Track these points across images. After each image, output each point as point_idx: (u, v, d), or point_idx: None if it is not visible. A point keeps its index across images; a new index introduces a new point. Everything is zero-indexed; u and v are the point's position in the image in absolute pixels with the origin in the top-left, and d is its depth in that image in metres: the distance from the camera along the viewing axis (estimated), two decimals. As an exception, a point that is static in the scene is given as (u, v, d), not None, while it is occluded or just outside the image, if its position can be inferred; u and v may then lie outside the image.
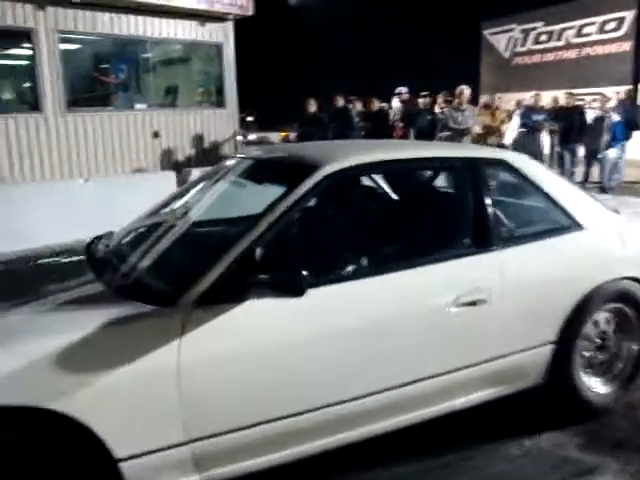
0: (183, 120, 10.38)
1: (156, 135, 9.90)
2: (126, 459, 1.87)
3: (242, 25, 10.67)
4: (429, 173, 2.80)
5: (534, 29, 20.70)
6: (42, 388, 1.76)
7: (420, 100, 10.08)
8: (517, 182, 2.76)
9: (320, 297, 2.05)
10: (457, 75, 17.42)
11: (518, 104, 10.58)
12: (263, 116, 23.83)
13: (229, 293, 1.99)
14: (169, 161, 10.15)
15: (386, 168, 2.54)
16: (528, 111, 9.53)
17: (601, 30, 18.86)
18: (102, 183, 6.88)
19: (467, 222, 2.53)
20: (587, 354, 2.88)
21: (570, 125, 9.72)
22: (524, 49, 21.31)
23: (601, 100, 10.06)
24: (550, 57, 20.17)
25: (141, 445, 1.90)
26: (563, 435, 2.76)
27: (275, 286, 1.93)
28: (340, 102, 10.22)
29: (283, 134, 27.05)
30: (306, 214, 2.18)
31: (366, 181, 2.75)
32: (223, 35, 10.23)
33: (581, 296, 2.71)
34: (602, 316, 2.90)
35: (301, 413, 2.11)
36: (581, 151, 10.03)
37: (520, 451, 2.65)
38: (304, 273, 1.88)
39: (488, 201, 2.58)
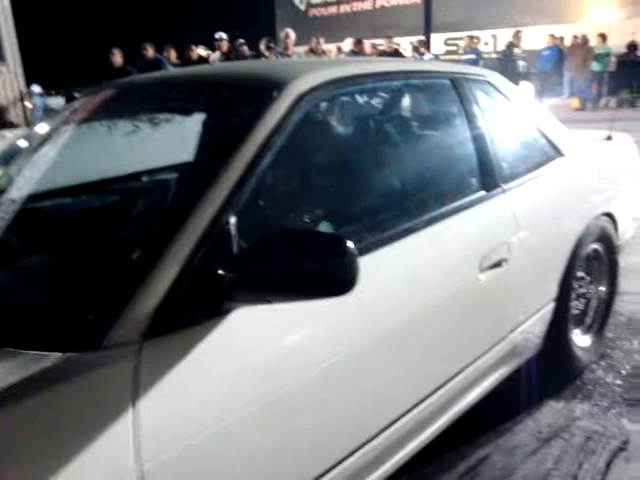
0: (-52, 78, 8.42)
1: None
2: None
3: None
4: (413, 93, 2.06)
5: (328, -20, 20.63)
6: None
7: (242, 48, 9.19)
8: (500, 105, 2.14)
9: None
10: (252, 26, 16.70)
11: (339, 50, 10.35)
12: (57, 75, 20.64)
13: (198, 306, 1.09)
14: None
15: (366, 84, 1.68)
16: (354, 56, 9.22)
17: (391, -18, 19.39)
18: None
19: (472, 157, 1.85)
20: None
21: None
22: (320, 1, 21.17)
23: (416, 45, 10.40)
24: (347, 8, 20.29)
25: None
26: (564, 403, 2.32)
27: (299, 281, 1.06)
28: (150, 52, 8.92)
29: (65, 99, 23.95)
30: (280, 157, 1.31)
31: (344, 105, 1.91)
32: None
33: (577, 238, 2.23)
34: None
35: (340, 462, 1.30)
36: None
37: (533, 436, 2.14)
38: (352, 250, 1.04)
39: (486, 130, 1.92)
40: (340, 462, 1.33)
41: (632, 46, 14.09)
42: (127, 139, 1.94)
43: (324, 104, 1.59)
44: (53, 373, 0.94)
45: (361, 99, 1.80)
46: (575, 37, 14.90)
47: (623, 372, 2.55)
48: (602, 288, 2.65)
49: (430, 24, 19.20)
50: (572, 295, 2.30)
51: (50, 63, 20.62)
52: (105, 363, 0.98)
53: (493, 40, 18.18)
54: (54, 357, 0.97)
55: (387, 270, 1.42)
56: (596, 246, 2.50)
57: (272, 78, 1.47)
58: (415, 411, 1.55)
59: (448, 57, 17.66)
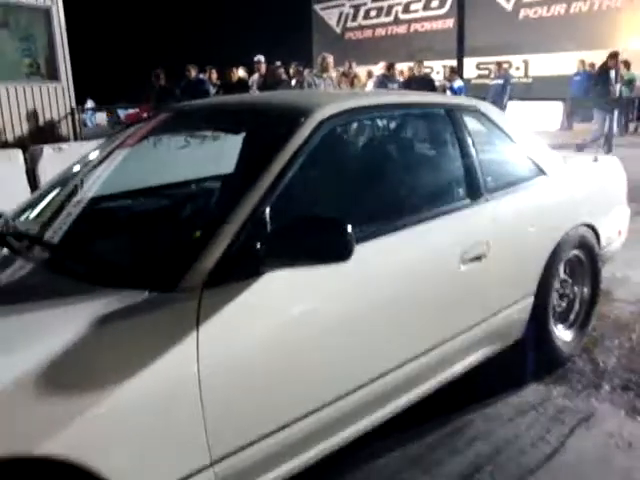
0: (10, 94, 9.14)
1: (-20, 112, 8.62)
2: (140, 501, 1.39)
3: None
4: (415, 120, 2.53)
5: (364, 4, 21.26)
6: (25, 427, 1.21)
7: (276, 70, 9.80)
8: (488, 130, 2.59)
9: (352, 263, 1.65)
10: (290, 49, 17.39)
11: (370, 75, 10.83)
12: (105, 92, 21.74)
13: (243, 267, 1.56)
14: (-3, 141, 8.92)
15: (375, 113, 2.19)
16: (384, 79, 9.70)
17: (425, 7, 19.92)
18: None
19: (461, 172, 2.30)
20: (554, 303, 2.83)
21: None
22: (355, 24, 21.85)
23: (449, 71, 10.85)
24: (382, 32, 20.90)
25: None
26: (544, 386, 2.70)
27: (311, 253, 1.53)
28: (193, 73, 9.57)
29: (109, 114, 24.93)
30: (303, 167, 1.79)
31: (356, 130, 2.40)
32: (50, -2, 9.11)
33: (555, 243, 2.64)
34: (564, 266, 2.86)
35: (333, 401, 1.75)
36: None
37: (513, 409, 2.53)
38: (349, 230, 1.50)
39: (473, 149, 2.37)
40: (342, 397, 1.78)
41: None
42: (183, 153, 2.47)
43: (339, 128, 2.07)
44: (145, 303, 1.42)
45: (369, 124, 2.27)
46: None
47: (601, 364, 2.93)
48: (585, 290, 3.03)
49: (463, 48, 19.71)
50: (552, 293, 2.70)
51: (98, 81, 21.75)
52: (178, 299, 1.45)
53: (524, 65, 18.52)
54: (146, 294, 1.45)
55: (384, 252, 1.88)
56: (577, 252, 2.89)
57: (300, 107, 1.96)
58: (406, 368, 1.99)
59: (479, 81, 18.08)
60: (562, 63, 16.79)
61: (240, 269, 1.56)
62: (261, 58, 9.54)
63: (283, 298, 1.62)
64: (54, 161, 5.99)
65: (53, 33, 9.57)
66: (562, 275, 2.88)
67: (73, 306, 1.39)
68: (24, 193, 5.42)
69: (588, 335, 3.16)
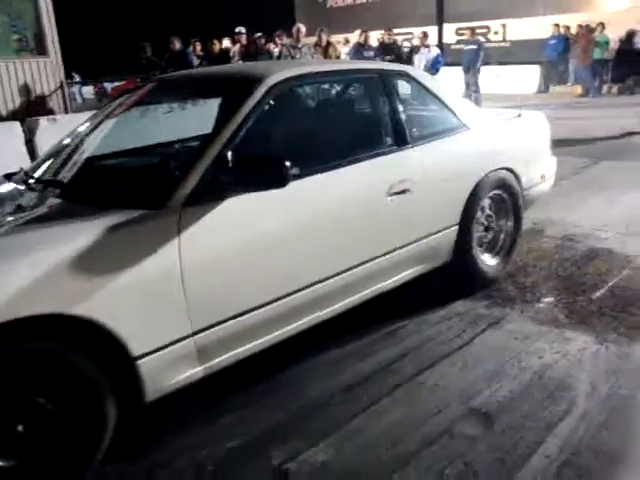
0: (1, 70, 9.51)
1: (-29, 88, 9.01)
2: (142, 356, 1.98)
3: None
4: (351, 82, 3.09)
5: (345, -28, 21.45)
6: (60, 295, 1.80)
7: (256, 41, 10.21)
8: (417, 90, 3.15)
9: (288, 191, 2.23)
10: (273, 17, 17.67)
11: (347, 42, 11.24)
12: (91, 66, 22.05)
13: (211, 193, 2.14)
14: (-10, 115, 9.31)
15: (317, 79, 2.80)
16: (360, 48, 10.15)
17: (405, -26, 20.17)
18: None
19: (389, 124, 2.87)
20: (478, 234, 3.43)
21: (399, 59, 10.60)
22: (337, -8, 22.06)
23: (421, 37, 11.23)
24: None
25: (154, 342, 2.01)
26: (471, 301, 3.32)
27: (257, 180, 2.12)
28: (177, 45, 9.99)
29: (96, 88, 25.20)
30: (258, 121, 2.36)
31: (302, 92, 2.98)
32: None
33: (474, 184, 3.22)
34: (486, 202, 3.45)
35: (285, 296, 2.35)
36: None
37: (441, 317, 3.15)
38: (286, 165, 2.08)
39: (401, 106, 2.94)
40: (290, 294, 2.38)
41: (630, 35, 14.66)
42: (165, 117, 3.03)
43: (286, 90, 2.62)
44: (140, 217, 2.00)
45: (315, 88, 2.84)
46: (580, 26, 15.53)
47: (521, 284, 3.55)
48: (509, 224, 3.63)
49: (442, 14, 20.07)
50: (474, 224, 3.29)
51: (84, 54, 21.98)
52: (164, 215, 2.04)
53: (502, 29, 18.91)
54: (139, 212, 2.03)
55: (322, 184, 2.47)
56: (499, 192, 3.48)
57: (254, 75, 2.52)
58: (344, 276, 2.58)
59: (459, 46, 18.45)
60: (538, 27, 17.18)
61: (209, 194, 2.13)
62: (242, 29, 9.97)
63: (240, 214, 2.21)
64: (49, 131, 6.51)
65: (40, 8, 9.89)
66: (487, 211, 3.47)
67: (88, 219, 1.97)
68: (24, 160, 5.96)
69: (515, 263, 3.78)
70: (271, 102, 2.46)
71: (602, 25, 14.71)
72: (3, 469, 1.77)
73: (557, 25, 16.24)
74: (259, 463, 2.10)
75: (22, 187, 2.51)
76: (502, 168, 3.43)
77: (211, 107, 2.63)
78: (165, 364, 2.07)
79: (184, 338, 2.09)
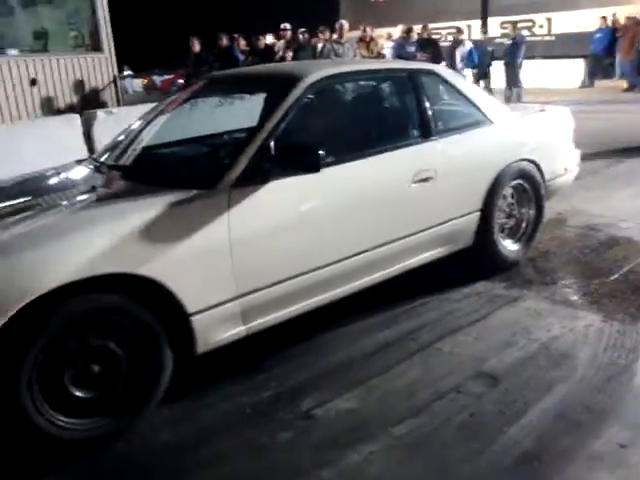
0: (60, 66, 10.09)
1: (34, 82, 9.61)
2: (195, 313, 2.35)
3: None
4: (382, 80, 3.42)
5: (389, -33, 21.57)
6: (130, 258, 2.18)
7: (300, 36, 10.55)
8: (443, 87, 3.45)
9: (323, 176, 2.57)
10: (317, 13, 17.98)
11: (389, 37, 11.49)
12: (140, 59, 22.94)
13: (255, 177, 2.50)
14: (50, 108, 9.91)
15: (351, 77, 3.16)
16: (403, 42, 10.40)
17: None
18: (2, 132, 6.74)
19: (416, 118, 3.18)
20: (501, 221, 3.70)
21: (436, 54, 10.82)
22: (381, -15, 22.19)
23: (455, 32, 11.51)
24: (407, -7, 21.24)
25: (205, 301, 2.38)
26: (491, 282, 3.59)
27: (295, 166, 2.46)
28: (224, 41, 10.41)
29: (145, 81, 26.10)
30: (298, 114, 2.71)
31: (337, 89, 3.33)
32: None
33: (496, 174, 3.49)
34: (509, 191, 3.71)
35: (317, 268, 2.69)
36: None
37: (462, 295, 3.44)
38: (320, 152, 2.42)
39: (427, 102, 3.24)
40: (327, 265, 2.72)
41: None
42: (215, 111, 3.41)
43: (324, 88, 2.96)
44: (195, 196, 2.37)
45: (349, 85, 3.17)
46: (628, 18, 15.30)
47: (540, 269, 3.80)
48: (531, 212, 3.88)
49: (487, 8, 19.99)
50: (495, 211, 3.55)
51: (133, 48, 22.81)
52: (216, 195, 2.40)
53: (547, 23, 18.76)
54: (194, 192, 2.40)
55: (353, 170, 2.81)
56: (521, 181, 3.73)
57: (295, 74, 2.87)
58: (374, 252, 2.91)
59: (502, 39, 18.40)
60: (584, 20, 17.00)
61: (254, 178, 2.49)
62: (287, 25, 10.33)
63: (281, 196, 2.56)
64: (106, 123, 6.99)
65: (96, 6, 10.43)
66: (509, 199, 3.74)
67: (152, 197, 2.35)
68: (83, 150, 6.46)
69: (536, 249, 4.04)
70: (309, 98, 2.81)
71: None
72: (84, 399, 2.17)
73: (604, 18, 16.05)
74: (290, 409, 2.45)
75: (92, 170, 2.92)
76: (524, 159, 3.68)
77: (257, 102, 2.98)
78: (214, 322, 2.43)
79: (230, 300, 2.46)
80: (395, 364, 2.74)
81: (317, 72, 2.88)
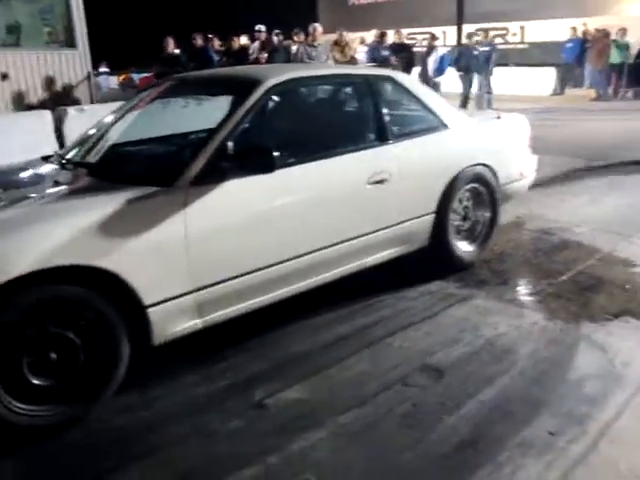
0: (32, 61, 10.05)
1: (4, 77, 9.58)
2: (151, 305, 2.44)
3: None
4: (340, 85, 3.54)
5: (367, -29, 21.81)
6: (89, 251, 2.26)
7: (274, 38, 10.65)
8: (400, 93, 3.58)
9: (279, 176, 2.69)
10: (295, 14, 18.12)
11: (362, 41, 11.66)
12: (118, 56, 22.85)
13: (213, 176, 2.60)
14: (21, 104, 9.86)
15: (311, 82, 3.28)
16: (377, 46, 10.56)
17: (426, -27, 20.46)
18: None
19: (372, 123, 3.31)
20: (456, 223, 3.84)
21: (409, 59, 11.02)
22: (360, -10, 22.44)
23: (430, 38, 11.70)
24: (384, -2, 21.51)
25: (161, 294, 2.47)
26: (446, 282, 3.73)
27: (250, 166, 2.57)
28: (199, 41, 10.47)
29: (122, 77, 26.05)
30: (257, 116, 2.82)
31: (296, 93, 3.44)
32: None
33: (451, 177, 3.64)
34: (464, 195, 3.86)
35: (273, 265, 2.80)
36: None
37: (417, 293, 3.58)
38: (274, 153, 2.53)
39: (384, 107, 3.37)
40: (281, 262, 2.83)
41: (649, 40, 14.78)
42: (180, 111, 3.50)
43: (284, 92, 3.08)
44: (154, 193, 2.46)
45: (308, 89, 3.29)
46: (597, 30, 15.72)
47: (494, 269, 3.96)
48: (486, 215, 4.03)
49: (462, 15, 20.27)
50: (449, 213, 3.70)
51: (111, 45, 22.74)
52: (174, 192, 2.49)
53: (521, 31, 19.13)
54: (153, 188, 2.49)
55: (310, 171, 2.92)
56: (476, 185, 3.89)
57: (255, 78, 2.98)
58: (329, 251, 3.02)
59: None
60: (557, 30, 17.38)
61: (211, 177, 2.59)
62: (262, 27, 10.43)
63: (236, 195, 2.66)
64: (77, 120, 7.02)
65: (70, 2, 10.39)
66: (465, 202, 3.89)
67: (112, 193, 2.44)
68: (53, 145, 6.48)
69: (492, 251, 4.20)
70: (269, 101, 2.92)
71: (623, 30, 14.84)
72: (43, 387, 2.25)
73: (574, 28, 16.45)
74: (243, 398, 2.55)
75: (57, 167, 2.99)
76: (479, 164, 3.83)
77: (223, 104, 3.08)
78: (170, 314, 2.53)
79: (186, 294, 2.55)
80: (347, 357, 2.86)
81: (277, 76, 3.00)
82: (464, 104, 11.60)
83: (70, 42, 10.56)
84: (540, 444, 2.23)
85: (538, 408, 2.44)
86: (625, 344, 2.93)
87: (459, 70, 12.07)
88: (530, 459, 2.16)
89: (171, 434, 2.33)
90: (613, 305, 3.36)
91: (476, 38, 12.27)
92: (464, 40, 12.06)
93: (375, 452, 2.23)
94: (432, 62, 11.39)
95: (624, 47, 14.92)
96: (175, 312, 2.54)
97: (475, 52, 11.93)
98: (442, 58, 11.58)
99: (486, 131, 4.06)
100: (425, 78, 11.60)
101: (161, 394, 2.60)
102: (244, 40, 11.18)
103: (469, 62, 11.90)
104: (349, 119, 3.45)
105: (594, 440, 2.25)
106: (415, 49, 12.55)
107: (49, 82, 10.38)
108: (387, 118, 3.35)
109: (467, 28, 19.91)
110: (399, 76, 3.59)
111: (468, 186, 3.84)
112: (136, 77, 21.61)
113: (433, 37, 11.60)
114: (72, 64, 10.72)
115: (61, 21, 10.52)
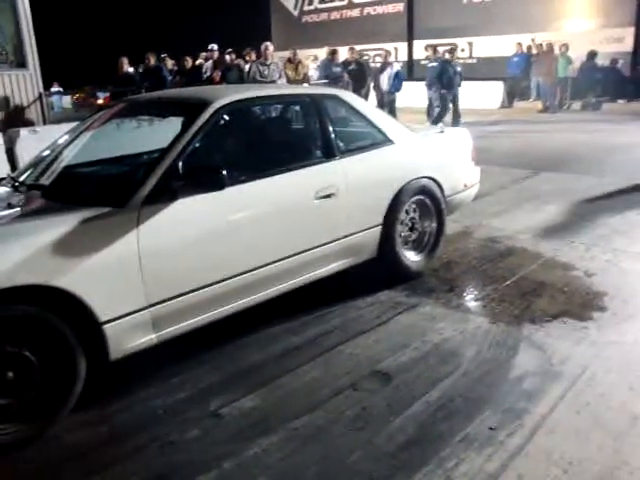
0: (-20, 82, 9.93)
1: (-47, 99, 9.45)
2: (106, 322, 2.51)
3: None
4: (288, 105, 3.68)
5: (320, -11, 22.24)
6: (43, 271, 2.33)
7: (227, 57, 10.80)
8: (346, 111, 3.75)
9: (229, 194, 2.81)
10: (249, 33, 18.31)
11: (315, 58, 11.88)
12: (70, 76, 22.61)
13: (164, 195, 2.69)
14: (-32, 126, 9.71)
15: (259, 102, 3.40)
16: (329, 63, 10.79)
17: (378, -9, 21.00)
18: None
19: (318, 140, 3.46)
20: (403, 234, 4.01)
21: (360, 75, 11.28)
22: (312, 7, 22.83)
23: (384, 54, 11.96)
24: (336, 15, 21.92)
25: (116, 311, 2.54)
26: (394, 291, 3.89)
27: (201, 185, 2.68)
28: (152, 60, 10.53)
29: (76, 96, 25.79)
30: (207, 136, 2.93)
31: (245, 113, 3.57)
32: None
33: (397, 190, 3.81)
34: (411, 206, 4.03)
35: (225, 279, 2.90)
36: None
37: (367, 303, 3.72)
38: (224, 172, 2.65)
39: (330, 124, 3.53)
40: (232, 277, 2.93)
41: (592, 54, 15.46)
42: (133, 133, 3.59)
43: (232, 112, 3.20)
44: (107, 213, 2.54)
45: (255, 109, 3.42)
46: (540, 45, 16.38)
47: (441, 278, 4.13)
48: (433, 225, 4.21)
49: (412, 31, 20.85)
50: (397, 225, 3.86)
51: (63, 65, 22.52)
52: (127, 212, 2.58)
53: (469, 47, 19.74)
54: (106, 209, 2.57)
55: (258, 188, 3.04)
56: (422, 197, 4.06)
57: (203, 99, 3.09)
58: (278, 265, 3.14)
59: (426, 61, 19.22)
60: (503, 45, 18.03)
61: (163, 196, 2.68)
62: (214, 46, 10.56)
63: (188, 212, 2.76)
64: (29, 141, 6.99)
65: (20, 22, 10.31)
66: (411, 213, 4.06)
67: (66, 213, 2.51)
68: (5, 168, 6.44)
69: (440, 260, 4.38)
70: (218, 121, 3.03)
71: (566, 45, 15.51)
72: (1, 406, 2.30)
73: (520, 44, 17.11)
74: (200, 409, 2.64)
75: (10, 189, 3.04)
76: (424, 177, 4.01)
77: (174, 125, 3.18)
78: (125, 330, 2.60)
79: (141, 310, 2.63)
80: (300, 366, 2.97)
81: (225, 97, 3.11)
82: (438, 120, 11.39)
83: (21, 62, 10.47)
84: (481, 439, 2.38)
85: (480, 406, 2.60)
86: (562, 343, 3.13)
87: (442, 87, 11.56)
88: (472, 453, 2.31)
89: (130, 446, 2.40)
90: (552, 307, 3.56)
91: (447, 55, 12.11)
92: (447, 55, 11.94)
93: (324, 454, 2.34)
94: (387, 78, 11.63)
95: (567, 61, 15.59)
96: (130, 328, 2.61)
97: (459, 68, 11.79)
98: (397, 74, 11.83)
99: (430, 145, 4.25)
100: (379, 94, 11.88)
101: (119, 408, 2.66)
102: (199, 60, 11.27)
103: (452, 78, 11.55)
104: (297, 137, 3.60)
105: (531, 432, 2.41)
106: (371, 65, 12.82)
107: (0, 103, 10.26)
108: (333, 135, 3.50)
109: (417, 44, 20.66)
110: (344, 94, 3.76)
111: (414, 198, 4.01)
112: (101, 95, 21.64)
113: (387, 53, 11.87)
114: (23, 84, 10.63)
115: (11, 41, 10.42)
